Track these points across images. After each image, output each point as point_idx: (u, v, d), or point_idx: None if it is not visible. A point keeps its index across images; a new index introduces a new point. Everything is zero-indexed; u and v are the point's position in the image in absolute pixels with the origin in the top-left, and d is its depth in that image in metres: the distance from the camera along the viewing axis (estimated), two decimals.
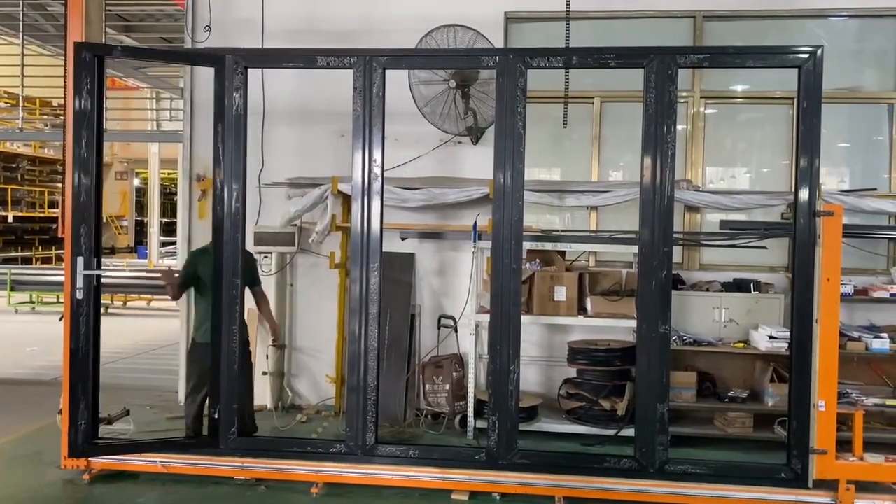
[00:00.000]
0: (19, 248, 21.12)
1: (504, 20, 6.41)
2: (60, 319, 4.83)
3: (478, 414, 5.66)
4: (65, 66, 4.86)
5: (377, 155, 4.64)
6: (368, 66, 4.59)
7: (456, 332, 6.24)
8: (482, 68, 5.55)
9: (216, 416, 4.76)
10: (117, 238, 23.94)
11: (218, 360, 4.74)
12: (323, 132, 6.50)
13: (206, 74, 6.66)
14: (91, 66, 4.43)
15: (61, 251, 4.82)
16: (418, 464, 4.64)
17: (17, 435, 5.73)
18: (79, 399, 4.51)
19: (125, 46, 4.40)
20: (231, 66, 4.68)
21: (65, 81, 4.78)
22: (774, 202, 6.03)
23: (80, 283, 4.46)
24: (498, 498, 4.55)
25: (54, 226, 19.59)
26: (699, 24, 6.32)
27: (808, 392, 4.30)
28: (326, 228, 6.11)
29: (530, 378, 6.27)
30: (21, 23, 10.70)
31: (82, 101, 4.44)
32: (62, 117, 4.88)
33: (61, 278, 4.85)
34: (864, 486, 4.35)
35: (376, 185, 4.64)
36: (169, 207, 26.47)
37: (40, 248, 21.73)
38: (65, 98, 4.79)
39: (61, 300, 4.96)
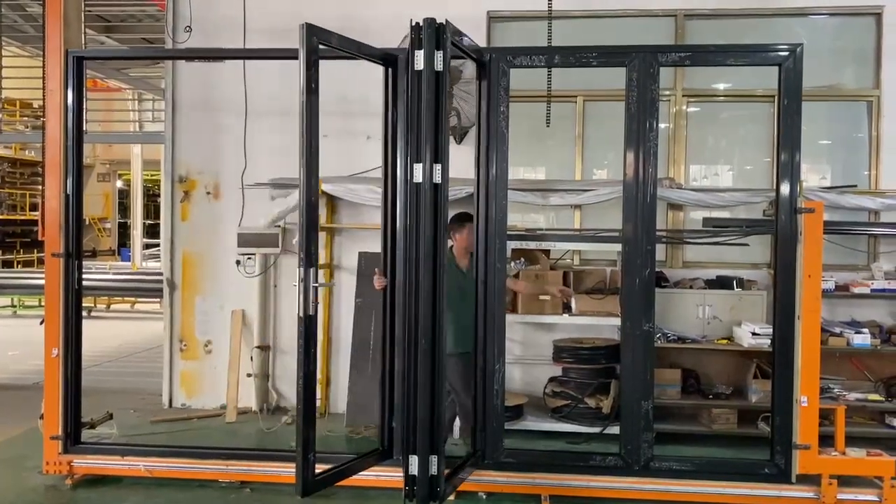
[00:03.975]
0: (0, 252, 20.88)
1: (487, 19, 6.41)
2: (41, 323, 4.78)
3: None
4: (43, 67, 4.81)
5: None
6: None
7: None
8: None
9: (393, 426, 4.54)
10: (100, 241, 23.69)
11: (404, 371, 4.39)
12: None
13: (187, 75, 6.67)
14: None
15: (43, 254, 4.77)
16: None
17: None
18: (309, 434, 3.92)
19: (338, 33, 4.26)
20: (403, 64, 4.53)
21: (43, 83, 4.73)
22: (756, 199, 6.07)
23: (312, 296, 3.89)
24: (484, 497, 4.55)
25: (35, 229, 19.36)
26: (680, 22, 6.35)
27: (791, 388, 4.32)
28: None
29: (516, 377, 6.27)
30: None
31: None
32: (42, 119, 4.83)
33: (43, 282, 4.79)
34: (846, 481, 4.37)
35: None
36: (152, 209, 26.25)
37: (21, 251, 21.47)
38: (44, 100, 4.75)
39: (43, 304, 4.91)
